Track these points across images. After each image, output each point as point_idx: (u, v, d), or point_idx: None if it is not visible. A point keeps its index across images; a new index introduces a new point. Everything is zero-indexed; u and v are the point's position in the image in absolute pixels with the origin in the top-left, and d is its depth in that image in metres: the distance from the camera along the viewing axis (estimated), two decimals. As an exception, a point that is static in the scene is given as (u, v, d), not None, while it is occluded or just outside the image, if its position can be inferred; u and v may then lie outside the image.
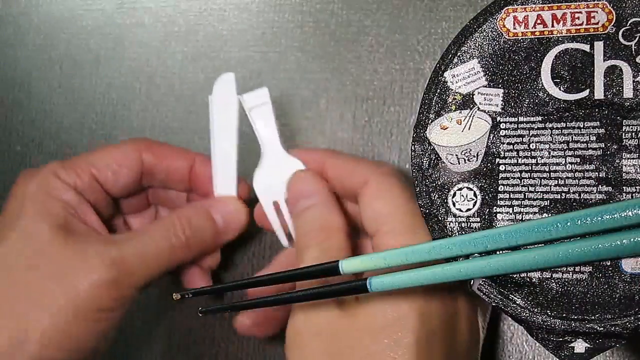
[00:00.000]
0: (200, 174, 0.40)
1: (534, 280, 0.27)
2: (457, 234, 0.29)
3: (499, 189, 0.29)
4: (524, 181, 0.29)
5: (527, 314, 0.27)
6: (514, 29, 0.30)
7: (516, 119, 0.29)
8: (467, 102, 0.30)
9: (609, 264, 0.27)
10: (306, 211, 0.36)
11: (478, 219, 0.29)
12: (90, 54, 0.51)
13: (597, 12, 0.29)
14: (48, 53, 0.52)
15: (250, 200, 0.41)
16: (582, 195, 0.28)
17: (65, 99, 0.51)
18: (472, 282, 0.28)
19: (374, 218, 0.34)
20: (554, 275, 0.27)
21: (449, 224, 0.29)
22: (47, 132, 0.51)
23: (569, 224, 0.26)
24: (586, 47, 0.29)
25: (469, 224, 0.29)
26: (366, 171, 0.35)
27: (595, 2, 0.29)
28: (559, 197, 0.28)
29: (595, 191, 0.28)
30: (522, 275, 0.28)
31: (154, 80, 0.49)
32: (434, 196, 0.30)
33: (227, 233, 0.40)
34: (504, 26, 0.30)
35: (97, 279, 0.34)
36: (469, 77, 0.30)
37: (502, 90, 0.30)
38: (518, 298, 0.27)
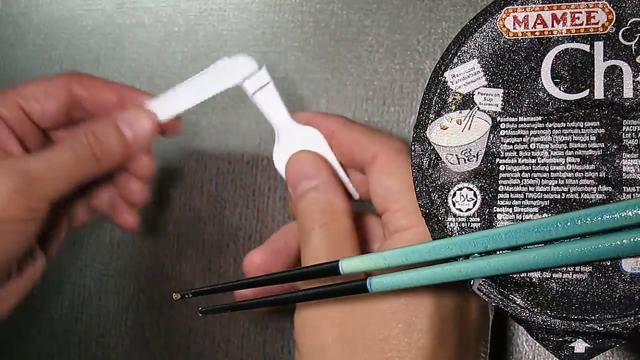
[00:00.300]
0: (128, 107, 0.40)
1: (534, 280, 0.27)
2: (457, 234, 0.29)
3: (499, 189, 0.29)
4: (524, 181, 0.29)
5: (527, 314, 0.27)
6: (514, 29, 0.30)
7: (516, 119, 0.29)
8: (467, 102, 0.30)
9: (609, 264, 0.27)
10: (309, 193, 0.35)
11: (478, 219, 0.29)
12: (90, 54, 0.51)
13: (597, 12, 0.29)
14: (48, 53, 0.52)
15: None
16: (582, 195, 0.28)
17: (65, 99, 0.51)
18: (472, 282, 0.28)
19: (383, 195, 0.34)
20: (554, 275, 0.27)
21: (449, 224, 0.29)
22: (47, 132, 0.51)
23: (569, 224, 0.26)
24: (586, 47, 0.29)
25: (469, 224, 0.29)
26: (376, 146, 0.35)
27: (595, 2, 0.29)
28: (559, 197, 0.28)
29: (595, 191, 0.28)
30: (522, 275, 0.28)
31: (154, 80, 0.49)
32: (434, 196, 0.30)
33: (137, 142, 0.39)
34: (504, 26, 0.30)
35: (4, 189, 0.34)
36: (469, 77, 0.30)
37: (502, 90, 0.30)
38: (518, 298, 0.27)
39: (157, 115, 0.39)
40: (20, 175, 0.34)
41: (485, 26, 0.30)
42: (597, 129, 0.28)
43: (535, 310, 0.27)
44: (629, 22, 0.28)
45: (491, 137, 0.29)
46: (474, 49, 0.30)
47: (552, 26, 0.29)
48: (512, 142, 0.29)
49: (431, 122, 0.30)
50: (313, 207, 0.35)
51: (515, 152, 0.29)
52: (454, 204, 0.29)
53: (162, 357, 0.48)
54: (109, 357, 0.50)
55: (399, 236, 0.33)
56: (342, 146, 0.36)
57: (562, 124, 0.29)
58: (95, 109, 0.40)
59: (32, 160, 0.36)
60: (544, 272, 0.27)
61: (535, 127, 0.29)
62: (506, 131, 0.29)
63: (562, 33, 0.29)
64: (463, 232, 0.29)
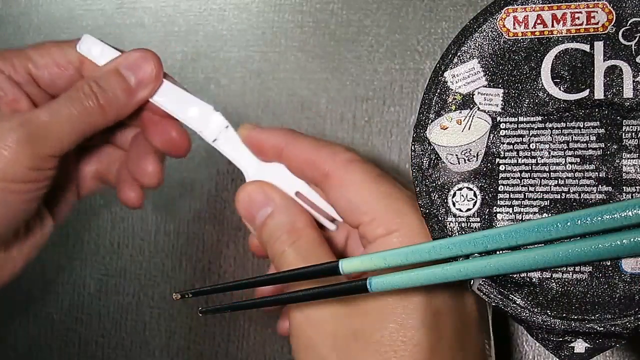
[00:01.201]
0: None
1: (534, 280, 0.27)
2: (457, 234, 0.29)
3: (499, 189, 0.29)
4: (524, 181, 0.29)
5: (527, 314, 0.27)
6: (514, 29, 0.30)
7: (516, 119, 0.29)
8: (467, 102, 0.30)
9: (609, 264, 0.27)
10: (268, 221, 0.35)
11: (478, 219, 0.29)
12: (90, 54, 0.51)
13: (597, 12, 0.29)
14: (48, 53, 0.52)
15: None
16: (582, 195, 0.28)
17: (65, 99, 0.51)
18: (472, 282, 0.28)
19: (349, 210, 0.33)
20: (554, 275, 0.27)
21: (449, 224, 0.29)
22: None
23: (569, 224, 0.26)
24: (586, 47, 0.29)
25: (469, 224, 0.29)
26: (324, 162, 0.34)
27: (595, 2, 0.29)
28: (559, 197, 0.28)
29: (595, 191, 0.28)
30: (522, 275, 0.28)
31: (154, 80, 0.49)
32: (434, 196, 0.30)
33: (141, 86, 0.37)
34: (504, 26, 0.30)
35: (10, 143, 0.33)
36: (469, 77, 0.30)
37: (502, 90, 0.30)
38: (518, 298, 0.27)
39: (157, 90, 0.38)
40: (24, 127, 0.33)
41: (485, 26, 0.30)
42: (597, 129, 0.28)
43: (535, 310, 0.27)
44: (629, 22, 0.28)
45: (491, 137, 0.29)
46: (474, 49, 0.30)
47: (552, 26, 0.29)
48: (512, 142, 0.29)
49: (431, 122, 0.30)
50: (277, 233, 0.35)
51: (515, 152, 0.29)
52: (454, 204, 0.29)
53: (162, 357, 0.48)
54: (109, 357, 0.50)
55: (380, 242, 0.32)
56: (291, 165, 0.36)
57: (562, 124, 0.29)
58: None
59: (35, 112, 0.35)
60: (544, 272, 0.27)
61: (535, 127, 0.29)
62: (506, 131, 0.29)
63: (562, 33, 0.29)
64: (463, 232, 0.29)
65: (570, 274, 0.27)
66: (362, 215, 0.33)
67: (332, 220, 0.37)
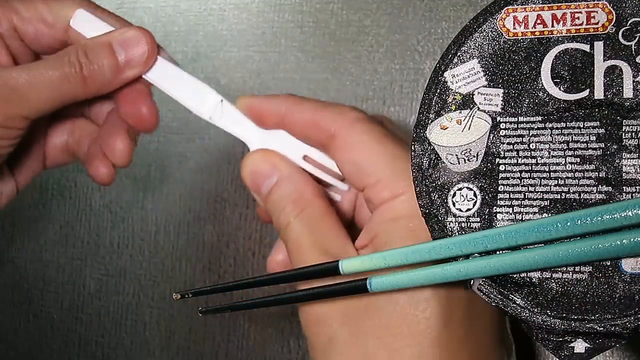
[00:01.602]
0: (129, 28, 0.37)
1: (534, 280, 0.27)
2: (457, 234, 0.29)
3: (499, 189, 0.29)
4: (524, 181, 0.29)
5: (527, 314, 0.27)
6: (514, 29, 0.30)
7: (516, 119, 0.29)
8: (467, 102, 0.30)
9: (609, 264, 0.27)
10: (273, 190, 0.34)
11: (478, 219, 0.29)
12: (90, 54, 0.51)
13: (597, 12, 0.29)
14: (48, 53, 0.52)
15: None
16: (582, 195, 0.28)
17: (65, 99, 0.50)
18: (472, 282, 0.28)
19: (354, 172, 0.32)
20: (554, 275, 0.27)
21: (449, 224, 0.29)
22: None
23: (569, 224, 0.26)
24: (586, 47, 0.29)
25: (469, 224, 0.29)
26: (330, 123, 0.33)
27: (595, 2, 0.29)
28: (559, 197, 0.28)
29: (595, 191, 0.28)
30: (522, 275, 0.28)
31: (154, 80, 0.49)
32: (434, 196, 0.30)
33: (129, 66, 0.36)
34: (504, 26, 0.30)
35: None
36: (469, 77, 0.30)
37: (502, 90, 0.30)
38: (518, 298, 0.27)
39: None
40: (2, 86, 0.33)
41: (485, 26, 0.30)
42: (597, 129, 0.28)
43: (535, 310, 0.27)
44: (629, 22, 0.28)
45: (491, 137, 0.29)
46: (474, 49, 0.30)
47: (552, 26, 0.29)
48: (512, 142, 0.29)
49: (431, 122, 0.30)
50: (282, 203, 0.34)
51: (515, 152, 0.29)
52: (454, 204, 0.29)
53: (162, 357, 0.48)
54: (109, 357, 0.50)
55: (386, 207, 0.31)
56: (295, 131, 0.35)
57: (562, 124, 0.29)
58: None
59: (15, 70, 0.34)
60: (544, 272, 0.27)
61: (535, 127, 0.29)
62: (506, 131, 0.29)
63: (562, 33, 0.29)
64: (463, 232, 0.29)
65: (570, 274, 0.27)
66: (366, 177, 0.32)
67: (343, 179, 0.36)
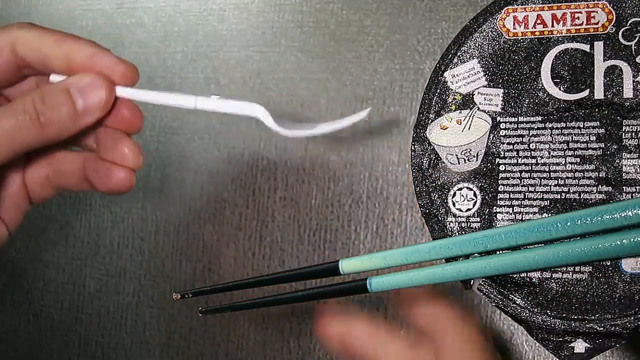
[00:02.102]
0: (82, 64, 0.36)
1: (534, 280, 0.27)
2: (457, 234, 0.29)
3: (499, 189, 0.29)
4: (524, 181, 0.29)
5: (527, 314, 0.27)
6: (514, 29, 0.30)
7: (516, 119, 0.29)
8: (467, 102, 0.30)
9: (609, 264, 0.27)
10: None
11: (478, 219, 0.29)
12: (90, 54, 0.51)
13: (597, 12, 0.29)
14: (48, 53, 0.52)
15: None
16: (582, 195, 0.28)
17: (65, 99, 0.51)
18: (472, 282, 0.28)
19: None
20: (554, 275, 0.27)
21: (449, 224, 0.29)
22: (47, 132, 0.51)
23: (569, 224, 0.26)
24: (586, 47, 0.29)
25: (469, 224, 0.29)
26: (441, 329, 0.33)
27: (595, 2, 0.29)
28: (559, 197, 0.28)
29: (595, 191, 0.28)
30: (522, 275, 0.28)
31: (154, 80, 0.49)
32: (434, 196, 0.30)
33: (87, 113, 0.35)
34: (504, 26, 0.30)
35: None
36: (469, 77, 0.30)
37: (502, 90, 0.30)
38: (518, 298, 0.27)
39: (116, 90, 0.36)
40: None
41: (485, 26, 0.30)
42: (597, 129, 0.28)
43: (535, 310, 0.27)
44: (629, 22, 0.28)
45: (491, 137, 0.29)
46: (474, 49, 0.30)
47: (552, 26, 0.29)
48: (512, 142, 0.29)
49: (431, 122, 0.30)
50: None
51: (515, 152, 0.29)
52: (454, 204, 0.29)
53: (162, 357, 0.48)
54: (109, 357, 0.50)
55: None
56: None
57: (562, 124, 0.29)
58: (47, 69, 0.36)
59: None
60: (544, 272, 0.27)
61: (535, 127, 0.29)
62: (506, 131, 0.29)
63: (562, 33, 0.29)
64: (463, 232, 0.29)
65: (570, 274, 0.27)
66: None
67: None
